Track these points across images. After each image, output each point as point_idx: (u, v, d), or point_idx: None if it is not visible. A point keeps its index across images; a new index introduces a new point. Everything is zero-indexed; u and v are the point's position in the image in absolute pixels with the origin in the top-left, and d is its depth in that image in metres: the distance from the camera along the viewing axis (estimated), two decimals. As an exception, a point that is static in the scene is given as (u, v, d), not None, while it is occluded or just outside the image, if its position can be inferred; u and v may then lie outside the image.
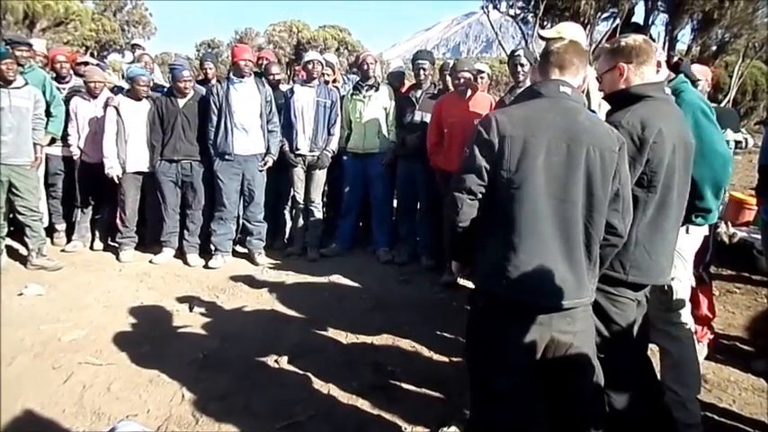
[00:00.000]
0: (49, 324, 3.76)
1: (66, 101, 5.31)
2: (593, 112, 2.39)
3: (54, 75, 5.62)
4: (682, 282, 2.58)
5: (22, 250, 5.06)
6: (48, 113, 5.08)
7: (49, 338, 3.55)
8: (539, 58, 2.07)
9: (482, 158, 1.82)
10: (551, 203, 1.78)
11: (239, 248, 5.47)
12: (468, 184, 1.84)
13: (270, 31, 28.14)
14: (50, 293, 4.35)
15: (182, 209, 5.31)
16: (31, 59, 5.31)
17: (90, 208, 5.53)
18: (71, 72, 5.64)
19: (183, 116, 5.07)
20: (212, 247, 5.23)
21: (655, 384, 2.45)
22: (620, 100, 2.20)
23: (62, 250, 5.40)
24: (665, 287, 2.54)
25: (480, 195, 1.84)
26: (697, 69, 3.35)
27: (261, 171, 5.23)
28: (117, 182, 5.16)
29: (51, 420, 2.69)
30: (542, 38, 2.98)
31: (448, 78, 5.21)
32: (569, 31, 3.12)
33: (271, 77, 5.63)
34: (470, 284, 4.31)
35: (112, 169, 5.10)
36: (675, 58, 2.87)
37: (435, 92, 5.20)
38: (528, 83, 4.05)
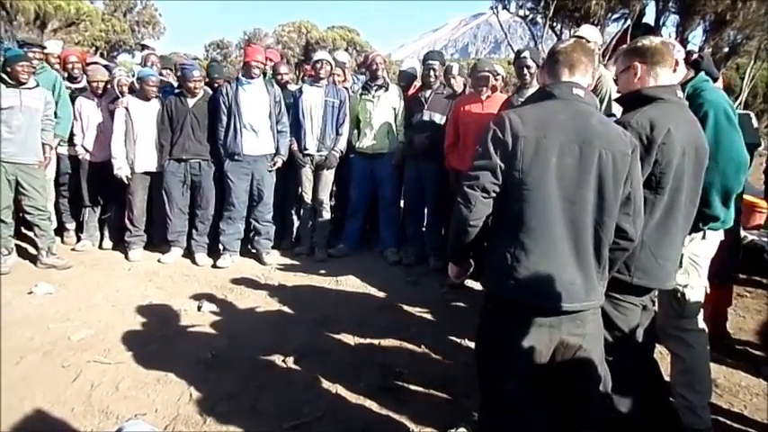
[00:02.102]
0: (59, 323, 3.78)
1: (72, 101, 5.34)
2: (614, 116, 2.37)
3: (66, 75, 5.67)
4: (695, 288, 2.54)
5: (32, 249, 5.10)
6: (54, 114, 5.12)
7: (58, 337, 3.56)
8: (545, 59, 2.05)
9: (497, 157, 1.80)
10: (562, 206, 1.77)
11: (247, 248, 5.47)
12: (482, 181, 1.81)
13: (279, 32, 28.23)
14: (60, 292, 4.37)
15: (191, 208, 5.33)
16: (43, 61, 5.36)
17: (98, 207, 5.56)
18: (83, 72, 5.68)
19: (192, 116, 5.09)
20: (221, 247, 5.24)
21: (659, 388, 2.43)
22: (632, 101, 2.18)
23: (72, 249, 5.43)
24: (678, 293, 2.51)
25: (494, 194, 1.82)
26: None
27: (270, 171, 5.24)
28: (126, 182, 5.19)
29: (60, 419, 2.70)
30: None
31: (452, 81, 5.21)
32: (585, 29, 3.12)
33: (279, 77, 5.64)
34: (478, 286, 4.31)
35: (121, 170, 5.13)
36: (695, 56, 2.80)
37: (444, 92, 5.19)
38: (535, 84, 4.03)
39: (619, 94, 2.39)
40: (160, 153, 5.18)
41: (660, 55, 2.16)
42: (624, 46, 2.32)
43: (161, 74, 5.88)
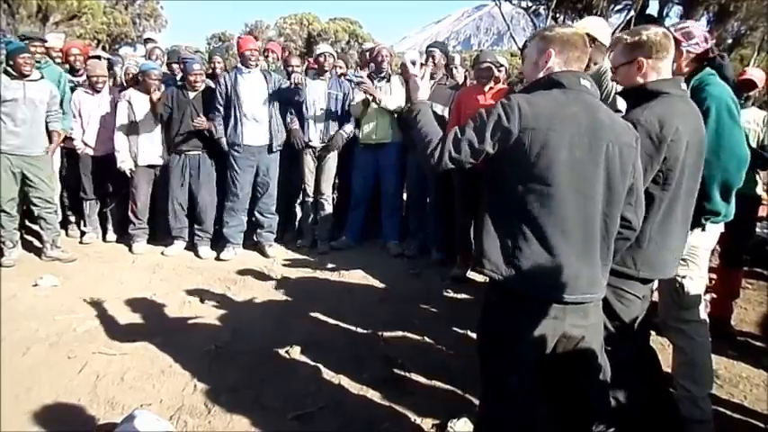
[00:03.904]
0: (64, 315, 3.81)
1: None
2: (620, 111, 2.35)
3: (68, 68, 5.67)
4: (694, 280, 2.55)
5: (37, 242, 5.13)
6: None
7: (63, 329, 3.59)
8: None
9: (491, 143, 1.75)
10: (574, 199, 1.75)
11: (250, 241, 5.50)
12: (461, 156, 1.77)
13: (280, 24, 28.12)
14: (65, 284, 4.40)
15: (192, 201, 5.35)
16: (45, 55, 5.36)
17: (99, 200, 5.56)
18: (85, 65, 5.68)
19: (192, 108, 5.10)
20: (224, 239, 5.27)
21: (657, 378, 2.44)
22: (636, 96, 2.18)
23: (80, 242, 5.47)
24: (677, 284, 2.52)
25: (456, 169, 1.82)
26: None
27: (271, 155, 5.22)
28: (130, 175, 5.21)
29: (66, 409, 2.73)
30: None
31: (455, 71, 5.21)
32: (594, 25, 3.09)
33: (290, 69, 5.69)
34: (480, 278, 4.31)
35: (124, 163, 5.15)
36: (716, 53, 2.77)
37: (447, 83, 5.18)
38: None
39: (620, 87, 2.38)
40: (161, 146, 5.19)
41: (665, 50, 2.14)
42: (625, 35, 2.27)
43: (170, 67, 5.90)
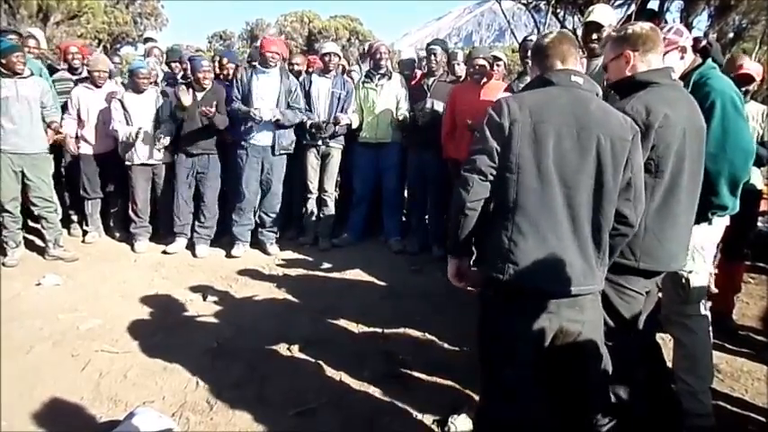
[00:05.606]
0: (67, 313, 3.83)
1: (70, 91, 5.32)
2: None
3: (67, 66, 5.67)
4: (699, 274, 2.55)
5: (39, 241, 5.14)
6: None
7: (67, 327, 3.61)
8: (533, 56, 2.06)
9: (493, 140, 1.82)
10: (559, 190, 1.78)
11: (252, 238, 5.48)
12: (479, 164, 1.83)
13: (281, 22, 28.06)
14: (68, 283, 4.42)
15: (195, 200, 5.35)
16: (27, 49, 5.31)
17: (99, 199, 5.55)
18: (83, 64, 5.68)
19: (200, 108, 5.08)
20: (233, 237, 5.29)
21: (661, 374, 2.44)
22: (626, 88, 2.18)
23: (82, 241, 5.48)
24: (683, 279, 2.52)
25: (491, 177, 1.83)
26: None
27: (277, 156, 5.22)
28: (126, 140, 5.13)
29: (70, 407, 2.74)
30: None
31: (456, 68, 5.21)
32: (600, 12, 3.11)
33: (291, 67, 5.72)
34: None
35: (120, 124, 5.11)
36: (704, 43, 2.78)
37: (447, 79, 5.18)
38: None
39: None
40: (156, 144, 5.17)
41: (651, 42, 2.15)
42: (611, 33, 2.29)
43: (169, 66, 5.90)
